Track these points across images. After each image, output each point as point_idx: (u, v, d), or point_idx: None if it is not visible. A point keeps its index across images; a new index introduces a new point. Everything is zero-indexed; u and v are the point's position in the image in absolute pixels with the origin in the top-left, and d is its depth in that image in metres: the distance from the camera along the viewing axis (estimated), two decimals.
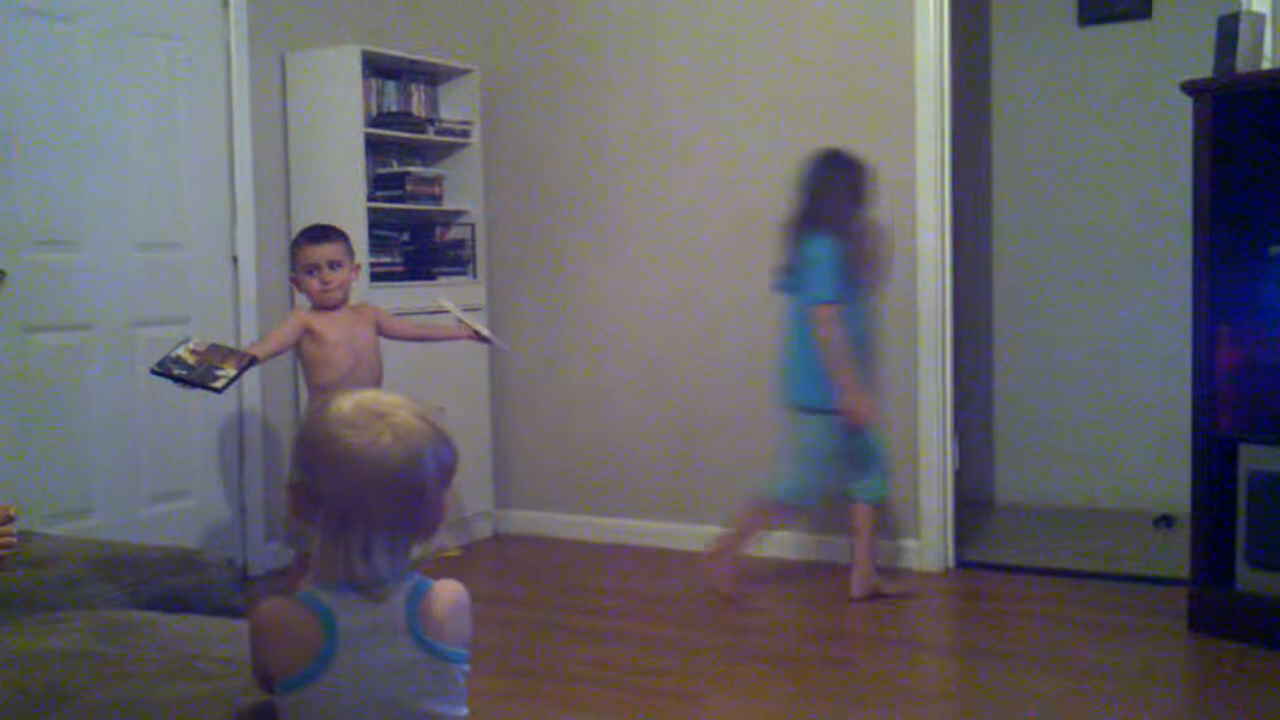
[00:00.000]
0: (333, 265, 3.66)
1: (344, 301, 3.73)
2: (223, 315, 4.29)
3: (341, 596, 1.43)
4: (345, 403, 1.46)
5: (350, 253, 3.74)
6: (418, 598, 1.47)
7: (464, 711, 1.51)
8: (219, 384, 3.26)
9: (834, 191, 3.82)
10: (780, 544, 4.45)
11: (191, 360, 3.28)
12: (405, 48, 4.76)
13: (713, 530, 4.61)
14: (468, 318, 3.96)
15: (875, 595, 3.91)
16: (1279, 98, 3.41)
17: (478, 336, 3.93)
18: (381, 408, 1.45)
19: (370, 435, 1.42)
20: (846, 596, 3.91)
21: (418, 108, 4.77)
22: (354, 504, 1.41)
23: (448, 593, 1.50)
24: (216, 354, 3.35)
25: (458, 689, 1.49)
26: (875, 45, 4.29)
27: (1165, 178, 4.91)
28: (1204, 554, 3.51)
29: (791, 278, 3.87)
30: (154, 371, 3.29)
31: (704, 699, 3.11)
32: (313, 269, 3.66)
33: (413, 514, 1.45)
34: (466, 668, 1.51)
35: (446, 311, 3.98)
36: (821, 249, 3.76)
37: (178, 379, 3.27)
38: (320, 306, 3.69)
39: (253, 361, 3.45)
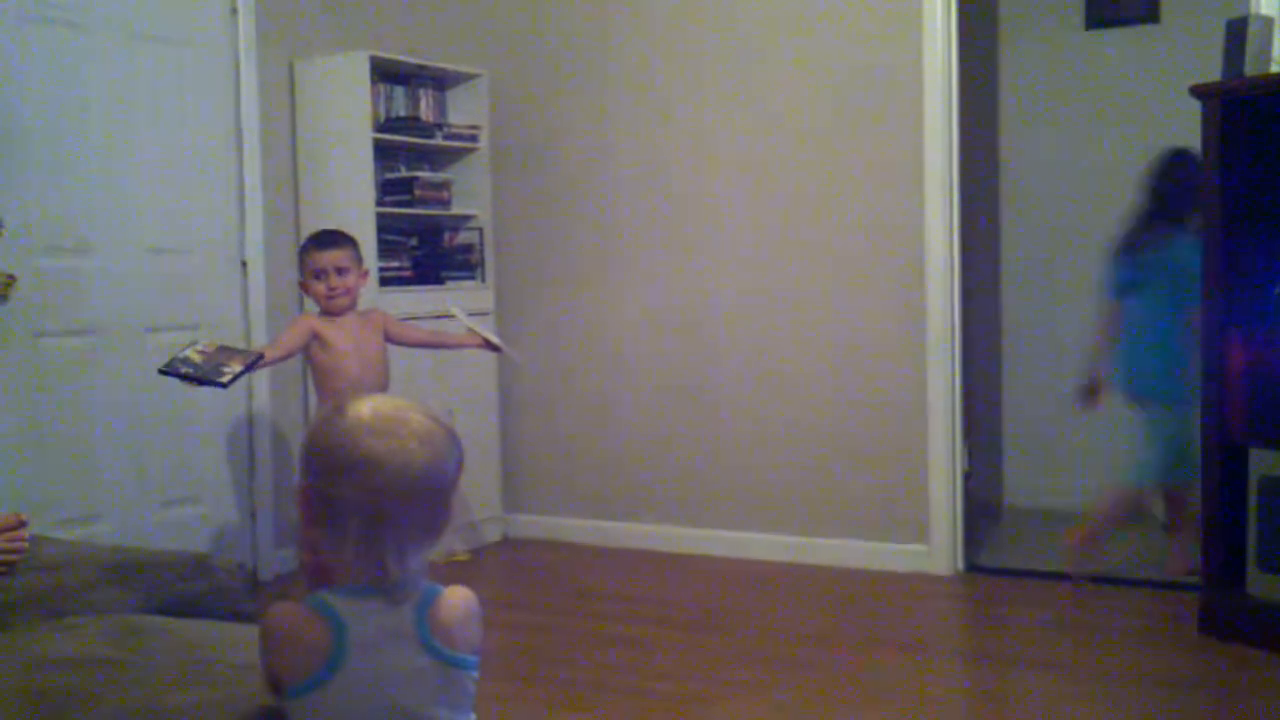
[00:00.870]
0: (340, 271, 3.67)
1: (352, 307, 3.73)
2: (232, 320, 4.31)
3: (352, 601, 1.44)
4: (362, 408, 1.46)
5: (358, 258, 3.75)
6: (427, 604, 1.47)
7: (471, 718, 1.51)
8: (225, 379, 3.28)
9: (1191, 191, 3.84)
10: (786, 548, 4.46)
11: (198, 360, 3.30)
12: (413, 53, 4.77)
13: (721, 534, 4.61)
14: (476, 324, 3.95)
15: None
16: None
17: (487, 344, 3.93)
18: (399, 412, 1.46)
19: (393, 440, 1.42)
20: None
21: (426, 113, 4.78)
22: (380, 509, 1.42)
23: (457, 599, 1.50)
24: (223, 354, 3.37)
25: (466, 696, 1.50)
26: (884, 49, 4.29)
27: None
28: (1214, 558, 3.51)
29: (1143, 275, 3.93)
30: (161, 371, 3.31)
31: (712, 703, 3.11)
32: (320, 274, 3.67)
33: (435, 516, 1.46)
34: (475, 674, 1.50)
35: (454, 318, 3.98)
36: (1196, 251, 3.63)
37: (185, 377, 3.29)
38: (328, 312, 3.70)
39: (259, 359, 3.46)
